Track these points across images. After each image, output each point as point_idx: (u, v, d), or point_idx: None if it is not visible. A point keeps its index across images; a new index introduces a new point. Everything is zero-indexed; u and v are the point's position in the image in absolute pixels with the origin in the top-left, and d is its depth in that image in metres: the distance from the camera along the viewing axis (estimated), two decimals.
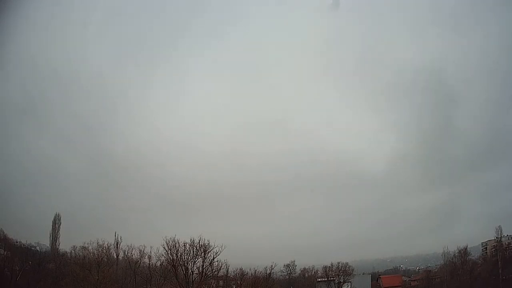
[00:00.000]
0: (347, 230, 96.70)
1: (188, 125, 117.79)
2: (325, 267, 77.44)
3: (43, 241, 76.67)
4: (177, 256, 54.85)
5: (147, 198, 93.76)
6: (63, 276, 58.23)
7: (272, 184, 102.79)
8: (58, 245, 75.46)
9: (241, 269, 70.06)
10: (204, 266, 56.59)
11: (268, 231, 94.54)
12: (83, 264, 55.58)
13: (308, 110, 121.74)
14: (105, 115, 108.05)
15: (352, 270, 76.48)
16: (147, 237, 75.49)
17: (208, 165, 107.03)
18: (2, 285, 55.76)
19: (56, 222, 75.53)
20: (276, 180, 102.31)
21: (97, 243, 60.26)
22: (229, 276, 69.57)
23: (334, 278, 74.52)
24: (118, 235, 68.80)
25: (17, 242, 68.55)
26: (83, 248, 62.88)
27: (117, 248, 68.41)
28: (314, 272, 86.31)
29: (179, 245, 54.99)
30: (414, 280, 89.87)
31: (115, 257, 68.16)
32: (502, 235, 75.30)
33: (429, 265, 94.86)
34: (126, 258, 68.16)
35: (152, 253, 63.38)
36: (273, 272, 74.12)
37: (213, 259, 56.95)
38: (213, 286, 66.58)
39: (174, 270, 55.06)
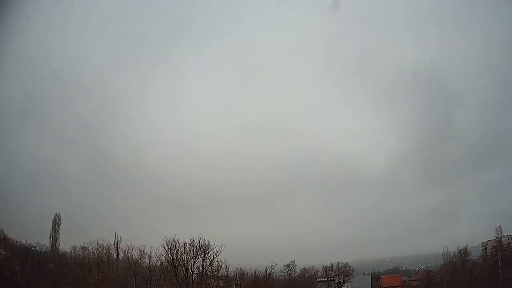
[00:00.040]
0: (347, 230, 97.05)
1: (188, 125, 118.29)
2: (325, 267, 77.43)
3: (43, 241, 76.83)
4: (177, 256, 54.77)
5: (147, 198, 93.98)
6: (63, 276, 58.16)
7: (272, 184, 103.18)
8: (58, 245, 75.54)
9: (241, 269, 70.10)
10: (204, 266, 56.52)
11: (268, 231, 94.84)
12: (83, 264, 55.47)
13: (308, 110, 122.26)
14: (105, 115, 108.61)
15: (352, 270, 76.46)
16: (147, 237, 75.73)
17: (208, 165, 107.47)
18: (2, 285, 55.68)
19: (56, 222, 75.54)
20: (276, 180, 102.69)
21: (97, 243, 60.27)
22: (229, 276, 69.53)
23: (334, 278, 74.49)
24: (118, 235, 68.88)
25: (17, 242, 68.52)
26: (83, 248, 62.92)
27: (117, 248, 68.45)
28: (314, 272, 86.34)
29: (179, 245, 54.93)
30: (414, 280, 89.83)
31: (115, 257, 68.10)
32: (502, 235, 75.33)
33: (429, 265, 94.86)
34: (126, 258, 68.12)
35: (152, 253, 63.44)
36: (273, 272, 74.21)
37: (213, 259, 56.91)
38: (213, 286, 66.53)
39: (174, 270, 54.98)
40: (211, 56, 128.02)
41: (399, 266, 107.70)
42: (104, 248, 61.48)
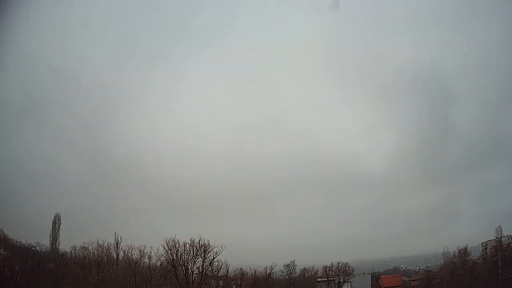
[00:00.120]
0: (347, 230, 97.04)
1: (188, 125, 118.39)
2: (325, 267, 77.41)
3: (43, 241, 76.82)
4: (177, 256, 54.74)
5: (147, 198, 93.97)
6: (63, 276, 58.13)
7: (272, 184, 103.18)
8: (58, 245, 75.53)
9: (241, 269, 70.07)
10: (204, 266, 56.49)
11: (268, 231, 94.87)
12: (83, 264, 55.44)
13: (308, 110, 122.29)
14: (105, 115, 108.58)
15: (352, 270, 76.45)
16: (147, 237, 75.77)
17: (208, 165, 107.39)
18: (2, 285, 55.66)
19: (56, 222, 75.53)
20: (276, 180, 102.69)
21: (97, 243, 60.24)
22: (229, 276, 69.52)
23: (334, 278, 74.47)
24: (118, 235, 68.84)
25: (17, 242, 68.51)
26: (83, 248, 62.90)
27: (117, 248, 68.42)
28: (314, 272, 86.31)
29: (179, 245, 54.90)
30: (414, 280, 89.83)
31: (115, 257, 68.07)
32: (502, 235, 75.32)
33: (429, 265, 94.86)
34: (126, 258, 68.10)
35: (152, 253, 63.41)
36: (273, 272, 74.17)
37: (213, 259, 56.87)
38: (213, 286, 66.51)
39: (174, 270, 54.96)
40: (211, 56, 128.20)
41: (399, 266, 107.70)
42: (104, 248, 61.57)
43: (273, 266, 71.64)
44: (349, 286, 74.68)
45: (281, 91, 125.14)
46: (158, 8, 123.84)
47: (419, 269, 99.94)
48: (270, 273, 71.36)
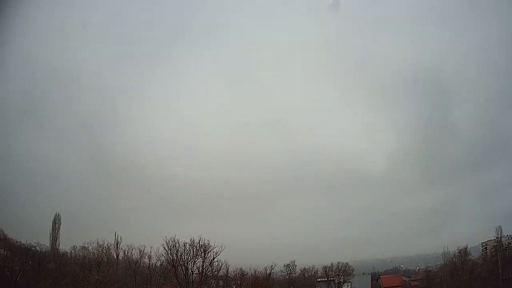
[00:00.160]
0: (347, 230, 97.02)
1: (188, 125, 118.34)
2: (325, 267, 77.41)
3: (43, 241, 76.80)
4: (177, 256, 54.74)
5: (147, 198, 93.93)
6: (63, 276, 58.13)
7: (272, 184, 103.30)
8: (58, 245, 75.52)
9: (241, 269, 70.06)
10: (204, 266, 56.49)
11: (268, 231, 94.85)
12: (83, 264, 55.44)
13: (308, 110, 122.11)
14: (105, 115, 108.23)
15: (352, 270, 76.45)
16: (147, 237, 75.62)
17: (208, 165, 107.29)
18: (2, 285, 55.66)
19: (56, 222, 75.51)
20: (276, 180, 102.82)
21: (97, 243, 60.22)
22: (229, 276, 69.53)
23: (334, 278, 74.48)
24: (118, 235, 68.83)
25: (17, 242, 68.50)
26: (83, 248, 62.88)
27: (117, 248, 68.41)
28: (314, 272, 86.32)
29: (179, 245, 54.89)
30: (414, 280, 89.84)
31: (115, 257, 68.07)
32: (502, 235, 75.32)
33: (429, 265, 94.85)
34: (126, 258, 68.09)
35: (152, 253, 63.40)
36: (273, 272, 74.18)
37: (213, 259, 56.86)
38: (213, 286, 66.52)
39: (174, 270, 54.97)
40: (211, 56, 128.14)
41: (399, 266, 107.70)
42: (104, 248, 61.55)
43: (273, 266, 71.81)
44: (349, 286, 74.68)
45: (281, 91, 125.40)
46: (158, 8, 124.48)
47: (419, 269, 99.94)
48: (270, 273, 71.43)
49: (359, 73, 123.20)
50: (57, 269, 63.17)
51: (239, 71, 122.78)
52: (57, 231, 75.45)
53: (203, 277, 56.53)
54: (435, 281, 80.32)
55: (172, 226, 76.48)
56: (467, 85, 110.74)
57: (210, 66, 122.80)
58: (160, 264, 60.08)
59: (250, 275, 69.31)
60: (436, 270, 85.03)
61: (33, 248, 73.20)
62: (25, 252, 66.47)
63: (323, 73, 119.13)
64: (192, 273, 55.80)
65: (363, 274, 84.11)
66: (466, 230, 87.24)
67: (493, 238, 77.25)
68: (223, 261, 59.87)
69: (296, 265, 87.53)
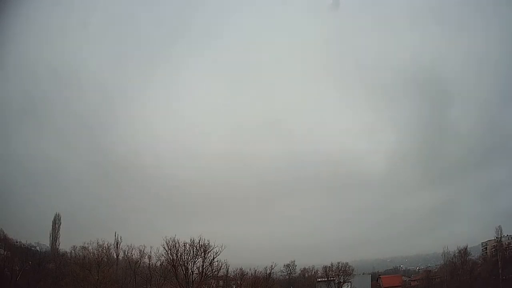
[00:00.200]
0: (347, 230, 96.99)
1: (188, 125, 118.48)
2: (325, 267, 77.43)
3: (43, 241, 76.83)
4: (177, 256, 54.73)
5: (147, 198, 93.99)
6: (63, 276, 58.13)
7: (272, 184, 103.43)
8: (58, 245, 75.53)
9: (241, 269, 70.10)
10: (204, 266, 56.49)
11: (268, 231, 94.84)
12: (83, 264, 55.44)
13: (308, 110, 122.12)
14: (105, 115, 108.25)
15: (352, 270, 76.47)
16: (147, 237, 75.62)
17: (208, 165, 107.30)
18: (2, 285, 55.67)
19: (56, 222, 75.53)
20: (276, 180, 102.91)
21: (97, 243, 60.23)
22: (229, 276, 69.54)
23: (334, 278, 74.49)
24: (118, 235, 68.87)
25: (17, 242, 68.52)
26: (83, 248, 62.89)
27: (117, 248, 68.44)
28: (314, 272, 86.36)
29: (179, 245, 54.88)
30: (414, 280, 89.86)
31: (115, 257, 68.09)
32: (502, 235, 75.34)
33: (429, 265, 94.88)
34: (126, 258, 68.11)
35: (152, 253, 63.43)
36: (273, 272, 74.23)
37: (213, 259, 56.87)
38: (213, 286, 66.52)
39: (174, 270, 54.97)
40: (211, 56, 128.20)
41: (399, 266, 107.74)
42: (104, 248, 61.56)
43: (273, 266, 71.87)
44: (349, 286, 74.70)
45: (281, 91, 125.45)
46: (158, 8, 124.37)
47: (419, 269, 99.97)
48: (270, 273, 71.46)
49: (359, 73, 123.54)
50: (57, 269, 63.17)
51: (239, 71, 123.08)
52: (57, 231, 75.51)
53: (203, 277, 56.53)
54: (435, 281, 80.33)
55: (172, 226, 76.64)
56: (467, 85, 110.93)
57: (210, 66, 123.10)
58: (160, 264, 60.13)
59: (250, 275, 69.36)
60: (436, 270, 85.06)
61: (33, 248, 73.22)
62: (25, 252, 66.48)
63: (323, 73, 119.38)
64: (192, 273, 55.80)
65: (363, 274, 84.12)
66: (466, 230, 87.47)
67: (493, 238, 77.27)
68: (223, 261, 60.02)
69: (296, 265, 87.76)
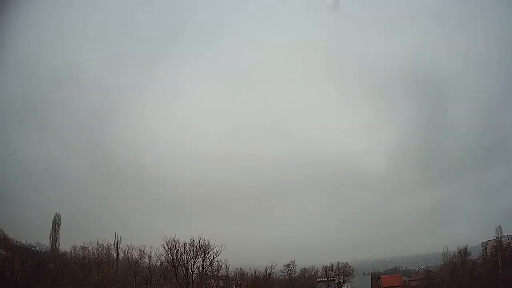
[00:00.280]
0: (347, 230, 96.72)
1: (187, 125, 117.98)
2: (325, 267, 77.45)
3: (43, 241, 76.75)
4: (177, 256, 54.85)
5: (147, 199, 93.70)
6: (63, 276, 58.17)
7: (272, 184, 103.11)
8: (58, 245, 75.49)
9: (241, 269, 70.13)
10: (204, 266, 56.64)
11: (268, 231, 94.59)
12: (83, 264, 55.51)
13: (308, 110, 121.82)
14: (105, 115, 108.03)
15: (352, 270, 76.49)
16: (147, 237, 75.46)
17: (208, 165, 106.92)
18: (2, 285, 55.69)
19: (56, 222, 75.50)
20: (276, 180, 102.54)
21: (97, 243, 60.32)
22: (229, 276, 69.56)
23: (334, 278, 74.52)
24: (118, 235, 68.87)
25: (17, 242, 68.50)
26: (83, 248, 62.96)
27: (117, 248, 68.46)
28: (314, 272, 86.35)
29: (179, 245, 55.06)
30: (414, 280, 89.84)
31: (115, 257, 68.11)
32: (502, 235, 75.34)
33: (429, 265, 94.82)
34: (126, 258, 68.14)
35: (152, 253, 63.47)
36: (273, 272, 74.23)
37: (213, 259, 57.05)
38: (213, 286, 66.55)
39: (174, 270, 55.05)
40: (210, 56, 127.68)
41: (399, 266, 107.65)
42: (104, 248, 61.63)
43: (273, 266, 71.89)
44: (349, 286, 74.72)
45: (281, 91, 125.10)
46: (158, 8, 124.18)
47: (419, 269, 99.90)
48: (270, 273, 71.49)
49: (359, 73, 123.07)
50: (57, 269, 63.19)
51: (239, 71, 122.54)
52: (57, 231, 75.47)
53: (203, 277, 56.60)
54: (435, 281, 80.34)
55: (172, 226, 76.49)
56: (467, 85, 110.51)
57: (210, 66, 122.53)
58: (160, 264, 60.21)
59: (250, 275, 69.39)
60: (436, 270, 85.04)
61: (33, 248, 73.22)
62: (25, 252, 66.49)
63: (323, 73, 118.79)
64: (192, 273, 55.90)
65: (363, 274, 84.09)
66: (466, 230, 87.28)
67: (493, 238, 77.26)
68: (223, 261, 60.16)
69: (296, 265, 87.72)
